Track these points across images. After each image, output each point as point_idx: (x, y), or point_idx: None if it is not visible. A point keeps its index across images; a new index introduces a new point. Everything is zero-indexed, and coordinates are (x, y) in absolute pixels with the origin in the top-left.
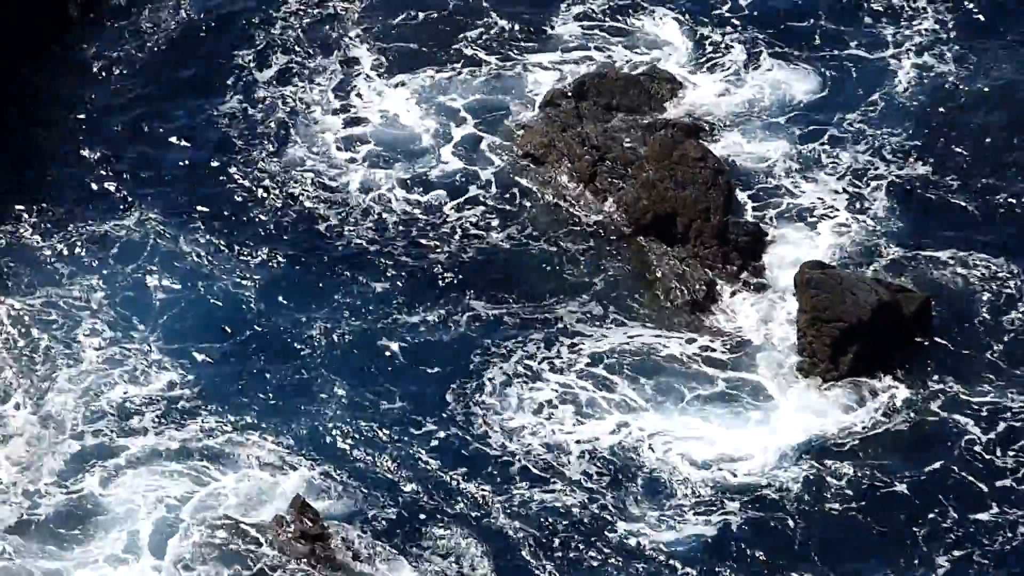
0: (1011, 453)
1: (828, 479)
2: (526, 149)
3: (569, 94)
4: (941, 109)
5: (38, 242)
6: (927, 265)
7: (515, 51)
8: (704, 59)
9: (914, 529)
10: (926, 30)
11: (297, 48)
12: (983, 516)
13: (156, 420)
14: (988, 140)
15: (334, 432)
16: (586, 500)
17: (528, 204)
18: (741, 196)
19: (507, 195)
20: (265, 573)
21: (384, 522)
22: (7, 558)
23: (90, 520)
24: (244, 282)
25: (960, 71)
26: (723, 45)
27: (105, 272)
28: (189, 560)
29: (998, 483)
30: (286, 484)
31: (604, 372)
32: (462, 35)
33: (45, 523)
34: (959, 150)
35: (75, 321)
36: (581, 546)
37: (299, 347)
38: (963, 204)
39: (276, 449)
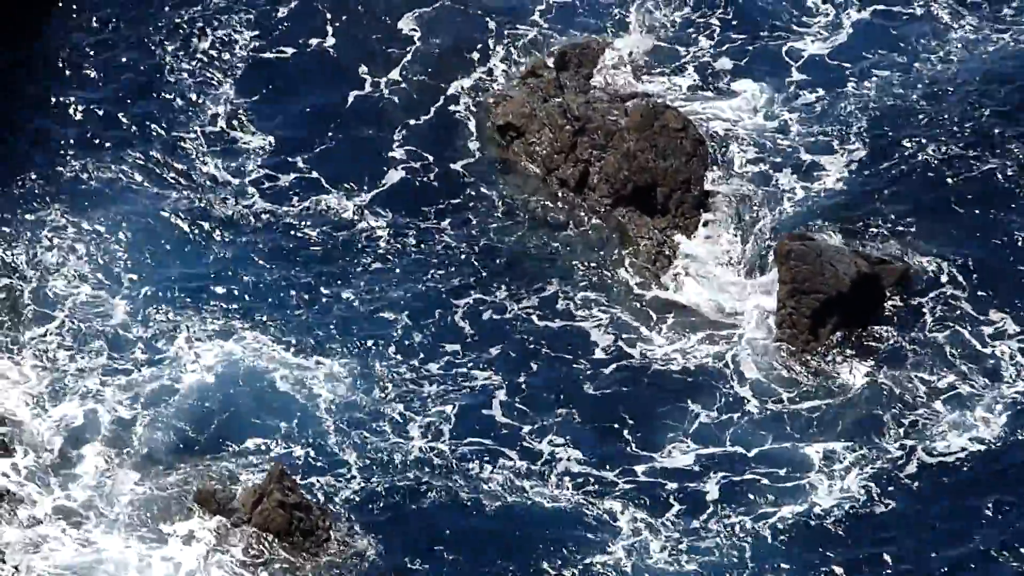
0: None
1: (809, 454)
2: (506, 120)
3: (550, 65)
4: (928, 81)
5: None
6: (909, 236)
7: (494, 20)
8: (687, 26)
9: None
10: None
11: (266, 24)
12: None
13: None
14: (976, 112)
15: (319, 399)
16: (590, 496)
17: (507, 175)
18: (723, 167)
19: (486, 166)
20: (243, 542)
21: (367, 498)
22: None
23: None
24: (223, 260)
25: (946, 43)
26: (707, 13)
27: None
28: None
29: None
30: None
31: (583, 355)
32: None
33: None
34: (946, 123)
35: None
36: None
37: (285, 320)
38: (947, 177)
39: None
